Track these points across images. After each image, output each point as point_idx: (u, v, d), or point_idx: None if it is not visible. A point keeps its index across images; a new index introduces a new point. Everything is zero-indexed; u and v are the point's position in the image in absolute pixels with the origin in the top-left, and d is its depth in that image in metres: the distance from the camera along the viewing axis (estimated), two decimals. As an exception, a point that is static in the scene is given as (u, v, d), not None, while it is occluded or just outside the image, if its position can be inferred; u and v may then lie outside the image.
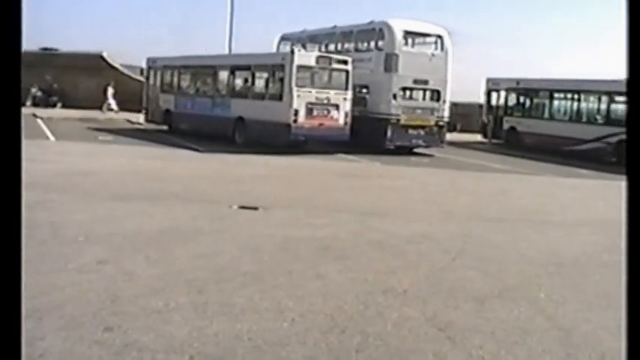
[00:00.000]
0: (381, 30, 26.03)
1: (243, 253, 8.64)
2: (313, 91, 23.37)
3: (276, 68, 24.40)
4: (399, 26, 25.84)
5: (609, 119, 28.03)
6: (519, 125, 31.90)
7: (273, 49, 31.79)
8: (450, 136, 32.02)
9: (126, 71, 41.09)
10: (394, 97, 24.65)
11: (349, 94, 23.97)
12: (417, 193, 16.08)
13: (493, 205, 14.53)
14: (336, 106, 23.62)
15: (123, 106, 36.91)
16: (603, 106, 28.92)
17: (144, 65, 33.17)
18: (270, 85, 25.00)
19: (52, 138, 24.46)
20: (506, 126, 32.65)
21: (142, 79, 34.11)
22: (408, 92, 26.04)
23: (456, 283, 7.78)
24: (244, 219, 11.12)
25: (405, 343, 5.68)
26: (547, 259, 9.38)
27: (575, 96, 30.41)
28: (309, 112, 23.16)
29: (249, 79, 26.41)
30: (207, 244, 8.97)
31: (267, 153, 21.83)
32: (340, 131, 23.82)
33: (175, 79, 31.01)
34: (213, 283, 7.08)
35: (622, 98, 27.87)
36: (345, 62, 24.24)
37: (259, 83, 26.13)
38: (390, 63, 24.81)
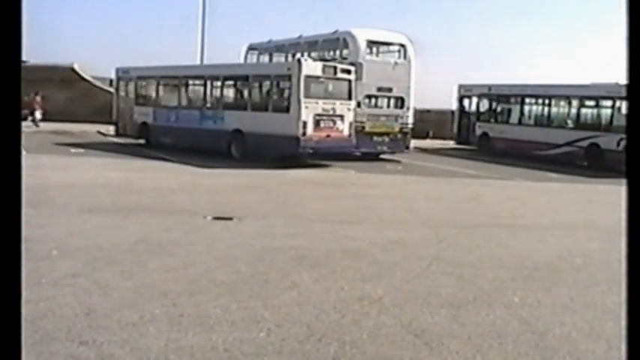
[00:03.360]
0: (345, 40, 26.34)
1: (218, 263, 8.62)
2: (320, 102, 22.64)
3: (281, 78, 23.57)
4: (362, 36, 26.15)
5: (580, 123, 28.35)
6: (491, 131, 32.12)
7: (241, 60, 31.81)
8: (423, 143, 32.31)
9: (97, 83, 40.81)
10: (358, 104, 24.57)
11: (352, 104, 23.52)
12: (391, 200, 16.12)
13: (467, 211, 14.60)
14: (341, 117, 22.99)
15: (93, 119, 36.20)
16: (574, 111, 29.22)
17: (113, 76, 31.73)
18: (274, 96, 24.14)
19: (23, 152, 24.17)
20: (478, 132, 32.85)
21: (112, 90, 32.60)
22: (372, 100, 26.26)
23: (432, 289, 7.81)
24: (219, 230, 11.09)
25: (381, 351, 5.69)
26: (521, 263, 9.44)
27: (546, 101, 30.71)
28: (317, 123, 22.37)
29: (248, 90, 25.39)
30: (181, 256, 8.94)
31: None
32: (346, 142, 23.35)
33: (153, 91, 29.54)
34: (188, 295, 7.05)
35: (592, 103, 28.23)
36: (349, 72, 23.65)
37: (260, 94, 25.20)
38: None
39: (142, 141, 28.56)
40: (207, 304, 6.73)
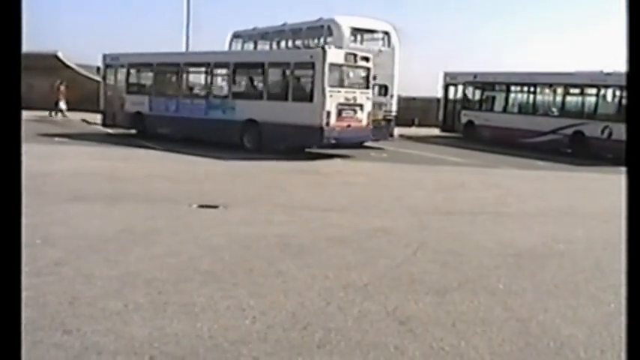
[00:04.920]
0: (329, 27, 26.31)
1: (203, 252, 8.60)
2: (342, 90, 21.96)
3: (303, 66, 22.55)
4: (346, 23, 26.14)
5: (565, 111, 28.47)
6: (477, 118, 32.19)
7: (225, 47, 31.63)
8: (408, 131, 32.37)
9: (82, 71, 40.52)
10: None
11: (371, 93, 23.03)
12: (377, 188, 16.15)
13: (452, 199, 14.64)
14: (361, 106, 22.38)
15: (79, 107, 36.10)
16: (559, 99, 29.33)
17: (100, 64, 30.04)
18: (295, 84, 22.86)
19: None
20: (463, 119, 32.91)
21: (99, 78, 31.26)
22: None
23: (417, 276, 7.83)
24: (204, 218, 11.07)
25: (366, 338, 5.70)
26: (505, 250, 9.48)
27: (531, 89, 30.77)
28: (339, 113, 21.70)
29: (264, 78, 24.03)
30: (166, 244, 8.92)
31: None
32: (365, 132, 22.90)
33: (149, 78, 28.03)
34: (173, 283, 7.04)
35: (577, 90, 28.33)
36: (367, 59, 23.00)
37: (278, 82, 23.88)
38: None
39: (133, 131, 27.45)
40: (192, 293, 6.72)
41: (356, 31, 26.72)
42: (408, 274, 7.88)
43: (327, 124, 21.36)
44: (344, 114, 21.86)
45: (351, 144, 23.10)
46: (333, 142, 21.80)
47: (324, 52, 21.81)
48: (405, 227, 10.88)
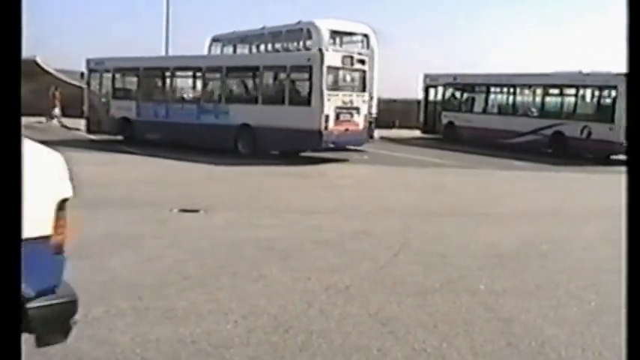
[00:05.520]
0: (308, 30, 26.33)
1: (186, 256, 8.58)
2: (340, 94, 21.66)
3: (300, 69, 22.13)
4: (325, 26, 26.18)
5: (544, 112, 28.61)
6: (457, 120, 32.28)
7: (205, 51, 31.55)
8: (389, 133, 32.42)
9: (61, 76, 40.21)
10: None
11: (367, 96, 22.73)
12: (359, 190, 16.18)
13: (433, 200, 14.68)
14: (357, 110, 22.09)
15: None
16: (538, 99, 29.48)
17: (84, 69, 28.80)
18: (291, 88, 22.44)
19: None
20: (444, 121, 32.99)
21: (79, 84, 30.41)
22: None
23: (399, 278, 7.84)
24: (186, 222, 11.03)
25: (348, 340, 5.70)
26: (487, 250, 9.52)
27: (511, 90, 30.90)
28: (337, 117, 21.36)
29: (259, 82, 23.67)
30: (149, 249, 8.88)
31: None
32: (361, 136, 22.69)
33: (135, 83, 27.29)
34: (155, 288, 7.01)
35: (556, 91, 28.52)
36: (363, 62, 22.79)
37: (274, 86, 23.63)
38: None
39: (119, 137, 26.64)
40: (174, 297, 6.70)
41: (335, 34, 26.77)
42: (390, 276, 7.89)
43: (326, 127, 21.04)
44: (342, 117, 21.60)
45: (346, 147, 23.00)
46: (331, 145, 21.59)
47: (322, 54, 21.56)
48: (388, 229, 10.90)
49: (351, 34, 27.52)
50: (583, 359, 5.63)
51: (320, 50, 22.48)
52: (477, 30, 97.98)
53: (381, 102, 28.85)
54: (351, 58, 22.65)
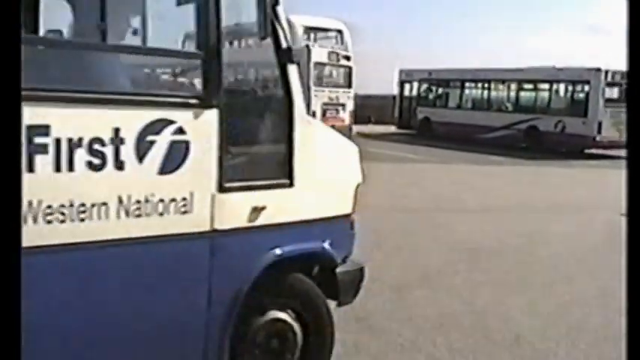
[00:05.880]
0: None
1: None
2: (326, 90, 21.67)
3: None
4: (299, 22, 26.04)
5: (518, 106, 28.79)
6: (432, 115, 32.34)
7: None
8: (364, 128, 32.37)
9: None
10: None
11: (352, 93, 22.68)
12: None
13: (409, 195, 14.69)
14: (343, 106, 22.11)
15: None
16: (512, 94, 29.65)
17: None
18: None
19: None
20: (419, 116, 33.04)
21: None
22: None
23: (375, 272, 7.79)
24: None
25: (324, 335, 5.69)
26: (462, 245, 9.56)
27: (485, 85, 31.06)
28: (323, 113, 21.28)
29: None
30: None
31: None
32: (346, 132, 21.78)
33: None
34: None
35: (530, 86, 28.71)
36: (349, 58, 22.77)
37: None
38: None
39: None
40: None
41: (309, 29, 26.62)
42: (365, 271, 7.88)
43: None
44: (328, 114, 21.55)
45: None
46: None
47: (309, 50, 21.47)
48: (362, 224, 10.87)
49: (325, 29, 27.42)
50: (557, 351, 5.67)
51: (307, 46, 22.40)
52: (453, 25, 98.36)
53: (356, 97, 28.86)
54: (337, 54, 22.70)
